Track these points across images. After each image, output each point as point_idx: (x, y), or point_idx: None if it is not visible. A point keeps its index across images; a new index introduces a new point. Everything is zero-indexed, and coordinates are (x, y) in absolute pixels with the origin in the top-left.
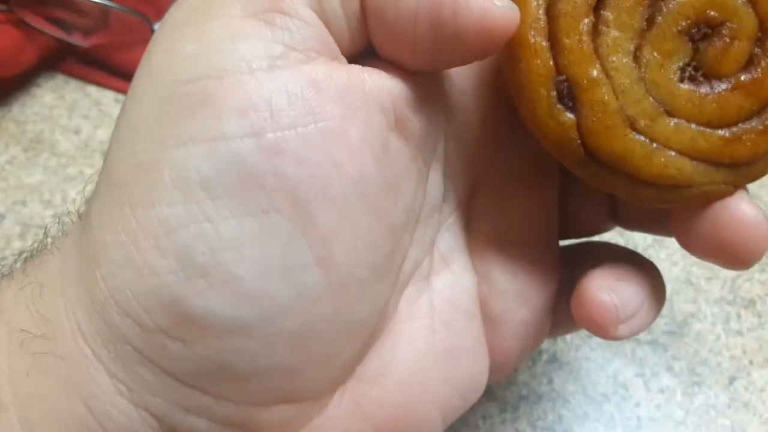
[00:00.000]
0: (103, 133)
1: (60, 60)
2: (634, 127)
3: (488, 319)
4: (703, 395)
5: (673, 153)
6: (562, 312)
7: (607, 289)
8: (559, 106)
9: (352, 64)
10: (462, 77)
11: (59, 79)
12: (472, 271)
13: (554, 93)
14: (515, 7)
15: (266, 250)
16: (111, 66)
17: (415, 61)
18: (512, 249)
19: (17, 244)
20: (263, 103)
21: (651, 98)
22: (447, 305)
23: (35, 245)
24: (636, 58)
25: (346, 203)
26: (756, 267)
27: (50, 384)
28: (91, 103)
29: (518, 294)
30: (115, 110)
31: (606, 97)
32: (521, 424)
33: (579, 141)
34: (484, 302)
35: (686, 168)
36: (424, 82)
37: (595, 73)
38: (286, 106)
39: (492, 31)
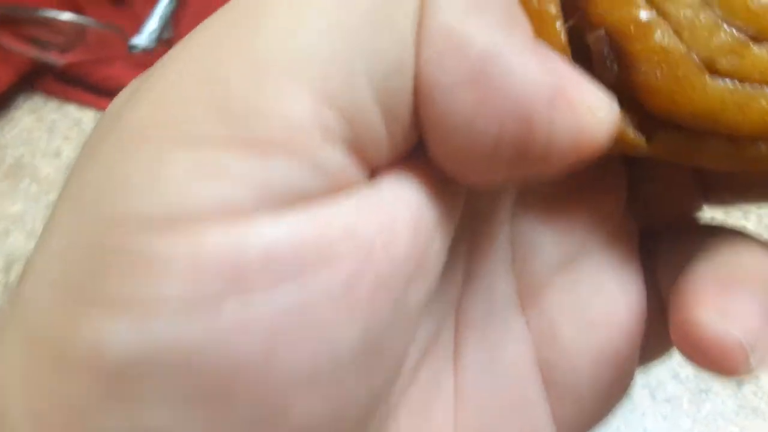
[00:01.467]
0: None
1: (38, 78)
2: (713, 70)
3: (552, 385)
4: (711, 402)
5: None
6: (650, 333)
7: (718, 315)
8: None
9: (372, 183)
10: None
11: (38, 99)
12: (519, 330)
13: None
14: (614, 105)
15: None
16: (89, 83)
17: (476, 179)
18: (580, 283)
19: (0, 278)
20: (229, 264)
21: (726, 26)
22: (475, 389)
23: None
24: None
25: (336, 378)
26: None
27: None
28: (72, 123)
29: (592, 346)
30: None
31: (666, 41)
32: None
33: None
34: (545, 365)
35: None
36: None
37: (643, 14)
38: (262, 265)
39: (590, 145)
